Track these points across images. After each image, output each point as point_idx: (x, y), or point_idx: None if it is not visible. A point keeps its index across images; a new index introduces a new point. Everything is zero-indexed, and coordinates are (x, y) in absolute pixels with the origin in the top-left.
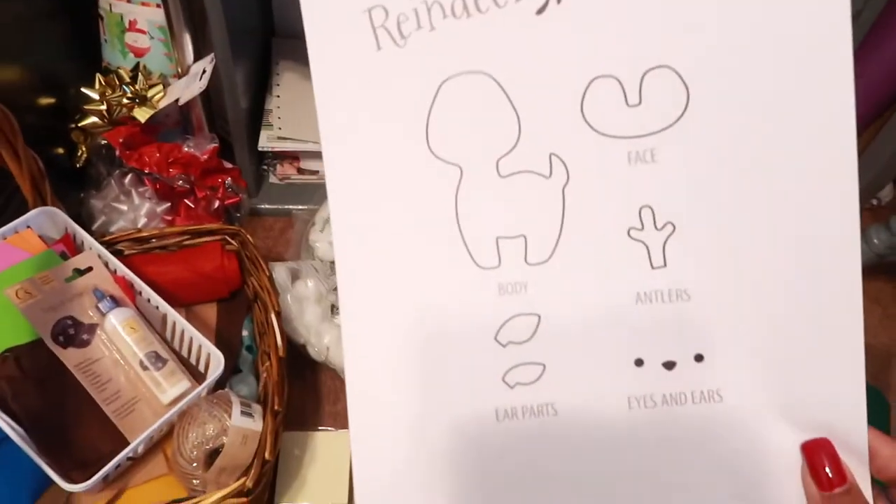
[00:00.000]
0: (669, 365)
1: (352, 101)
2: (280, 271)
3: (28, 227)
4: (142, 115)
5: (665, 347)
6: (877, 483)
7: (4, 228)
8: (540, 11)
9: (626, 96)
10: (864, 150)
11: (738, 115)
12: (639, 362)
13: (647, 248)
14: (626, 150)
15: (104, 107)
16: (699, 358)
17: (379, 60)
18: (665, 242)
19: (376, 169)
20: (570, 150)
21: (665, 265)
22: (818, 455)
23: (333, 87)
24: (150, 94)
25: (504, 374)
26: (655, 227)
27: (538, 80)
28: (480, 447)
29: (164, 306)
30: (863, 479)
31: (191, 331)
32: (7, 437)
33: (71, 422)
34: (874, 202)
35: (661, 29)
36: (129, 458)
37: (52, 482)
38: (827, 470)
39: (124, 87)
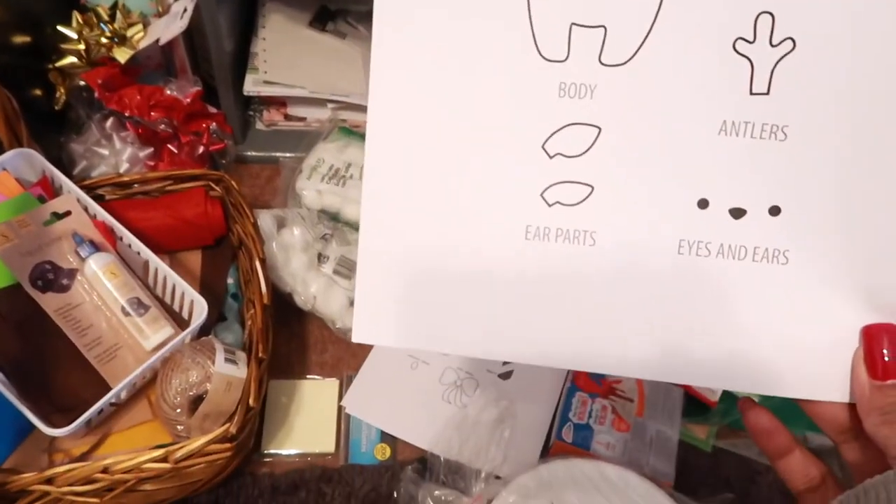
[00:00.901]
0: (738, 213)
1: None
2: (265, 219)
3: (4, 169)
4: (121, 55)
5: (738, 191)
6: None
7: None
8: None
9: None
10: None
11: None
12: (703, 203)
13: (752, 66)
14: None
15: (82, 46)
16: (775, 211)
17: None
18: (776, 64)
19: None
20: None
21: (768, 92)
22: (878, 340)
23: None
24: (129, 33)
25: (544, 189)
26: (771, 42)
27: None
28: (502, 263)
29: (146, 252)
30: None
31: (173, 277)
32: None
33: (51, 367)
34: None
35: None
36: (112, 404)
37: (33, 428)
38: (885, 357)
39: (103, 25)
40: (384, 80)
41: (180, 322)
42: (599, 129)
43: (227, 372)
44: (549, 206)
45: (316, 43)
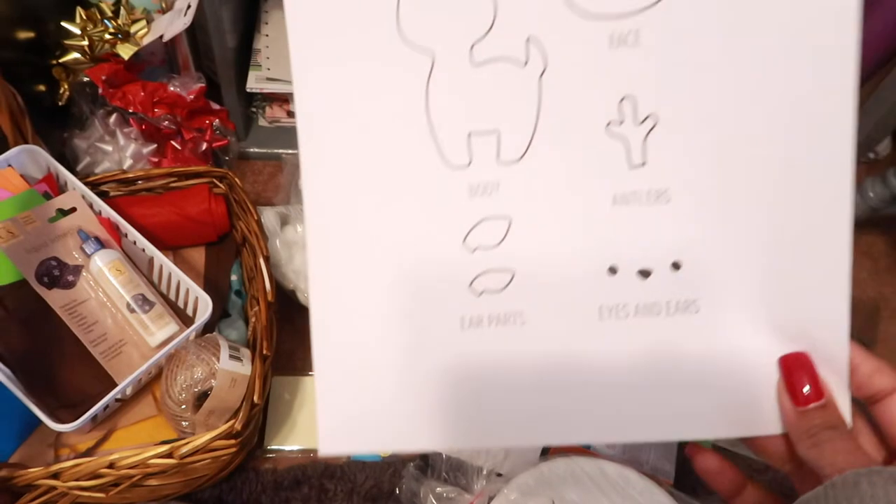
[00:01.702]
0: (645, 273)
1: None
2: (269, 216)
3: (9, 165)
4: (125, 51)
5: (641, 254)
6: (857, 402)
7: None
8: None
9: None
10: (863, 104)
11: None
12: (612, 270)
13: (626, 144)
14: (607, 31)
15: (86, 42)
16: (676, 266)
17: None
18: (645, 138)
19: (342, 56)
20: (548, 32)
21: (644, 164)
22: (795, 368)
23: None
24: (133, 29)
25: (471, 281)
26: (636, 120)
27: None
28: (443, 356)
29: (151, 249)
30: (841, 397)
31: (178, 274)
32: None
33: (58, 363)
34: (871, 156)
35: None
36: (117, 400)
37: (39, 423)
38: (803, 384)
39: (106, 21)
40: (315, 199)
41: (185, 319)
42: (510, 219)
43: (231, 368)
44: (478, 295)
45: None
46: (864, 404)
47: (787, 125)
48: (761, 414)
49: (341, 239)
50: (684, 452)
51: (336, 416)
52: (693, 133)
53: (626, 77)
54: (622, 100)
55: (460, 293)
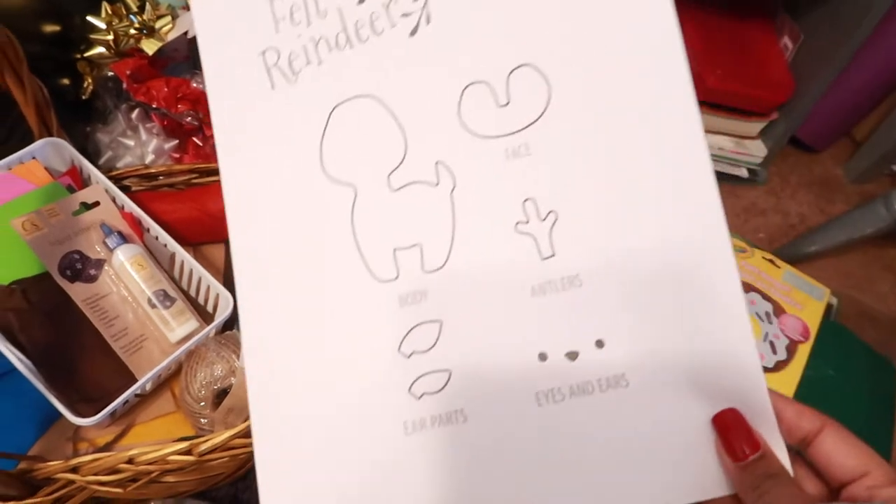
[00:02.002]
0: (572, 355)
1: (249, 136)
2: None
3: (34, 157)
4: (149, 46)
5: (566, 338)
6: (791, 448)
7: (9, 159)
8: (413, 33)
9: (496, 98)
10: (886, 117)
11: (595, 100)
12: (542, 356)
13: (535, 239)
14: (503, 147)
15: (111, 37)
16: (600, 344)
17: (273, 97)
18: (551, 232)
19: (273, 196)
20: (453, 155)
21: (554, 254)
22: (728, 426)
23: (232, 125)
24: (157, 25)
25: (410, 385)
26: (539, 218)
27: (418, 96)
28: (391, 463)
29: (173, 244)
30: (777, 445)
31: (199, 270)
32: (14, 369)
33: (79, 356)
34: (894, 168)
35: (518, 32)
36: (136, 395)
37: (59, 415)
38: (738, 439)
39: (132, 16)
40: (251, 324)
41: (205, 315)
42: (441, 322)
43: None
44: (418, 398)
45: None
46: (798, 449)
47: (659, 200)
48: (708, 476)
49: (280, 358)
50: None
51: None
52: (589, 221)
53: (524, 182)
54: (525, 202)
55: (401, 398)
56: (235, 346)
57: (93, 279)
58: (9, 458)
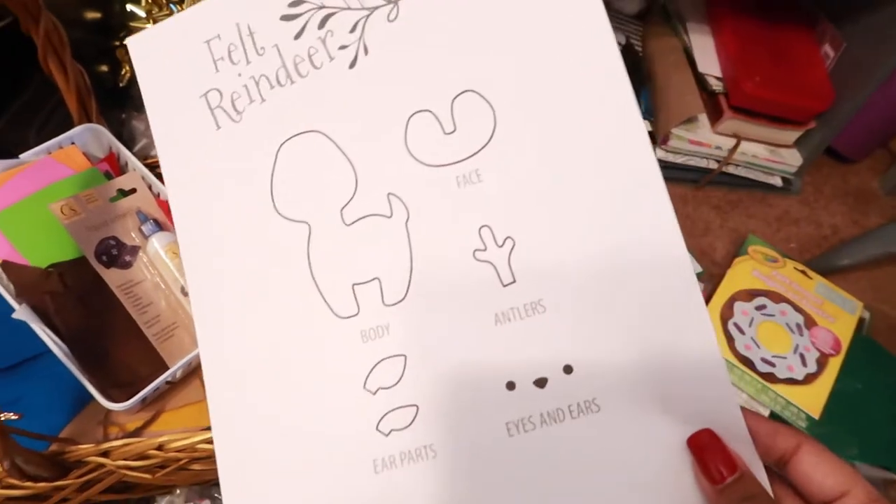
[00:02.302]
0: (541, 382)
1: (198, 179)
2: None
3: (73, 143)
4: None
5: (533, 365)
6: (770, 468)
7: (49, 143)
8: (352, 65)
9: (441, 126)
10: None
11: (540, 122)
12: (510, 385)
13: (494, 267)
14: (453, 175)
15: (150, 25)
16: (568, 369)
17: (219, 138)
18: (509, 257)
19: (228, 238)
20: (405, 186)
21: (514, 280)
22: (703, 447)
23: (179, 168)
24: None
25: (378, 422)
26: (497, 244)
27: (364, 128)
28: (362, 503)
29: None
30: (755, 465)
31: None
32: (48, 351)
33: (112, 341)
34: None
35: (457, 58)
36: (167, 382)
37: (90, 399)
38: (715, 461)
39: (171, 5)
40: (214, 377)
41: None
42: (405, 356)
43: None
44: (387, 435)
45: None
46: (775, 469)
47: (612, 217)
48: (686, 501)
49: (243, 395)
50: None
51: None
52: (546, 244)
53: (478, 209)
54: (481, 228)
55: (369, 436)
56: None
57: (128, 265)
58: (41, 439)
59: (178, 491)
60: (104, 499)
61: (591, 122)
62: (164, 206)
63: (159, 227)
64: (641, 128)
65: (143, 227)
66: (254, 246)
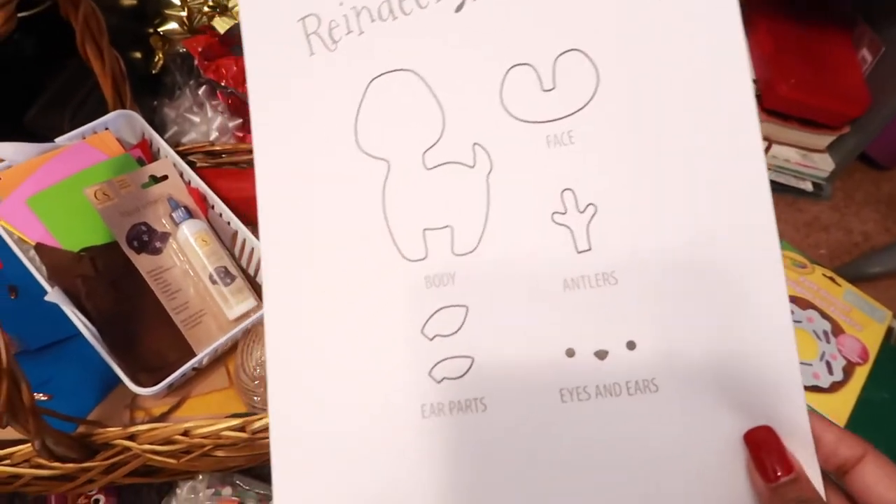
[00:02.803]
0: (601, 354)
1: (285, 103)
2: None
3: (107, 128)
4: (221, 25)
5: (596, 336)
6: (827, 475)
7: (84, 128)
8: (458, 9)
9: (541, 82)
10: None
11: (646, 93)
12: (570, 352)
13: (571, 232)
14: (544, 134)
15: (185, 13)
16: (631, 345)
17: (311, 65)
18: (588, 225)
19: (307, 165)
20: (492, 138)
21: (590, 249)
22: (761, 444)
23: (268, 90)
24: (230, 3)
25: (431, 368)
26: (578, 209)
27: (460, 74)
28: (405, 445)
29: (237, 222)
30: (811, 469)
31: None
32: (79, 334)
33: (141, 326)
34: None
35: (568, 15)
36: (193, 369)
37: (118, 382)
38: (771, 459)
39: None
40: (275, 308)
41: (262, 295)
42: (467, 307)
43: None
44: (438, 382)
45: None
46: (834, 477)
47: (709, 201)
48: (734, 495)
49: (301, 325)
50: None
51: (294, 500)
52: (632, 216)
53: (565, 172)
54: (563, 192)
55: (421, 381)
56: None
57: (158, 251)
58: (70, 420)
59: (200, 477)
60: (128, 482)
61: (702, 103)
62: (195, 194)
63: (190, 214)
64: (755, 118)
65: (174, 214)
66: (330, 178)
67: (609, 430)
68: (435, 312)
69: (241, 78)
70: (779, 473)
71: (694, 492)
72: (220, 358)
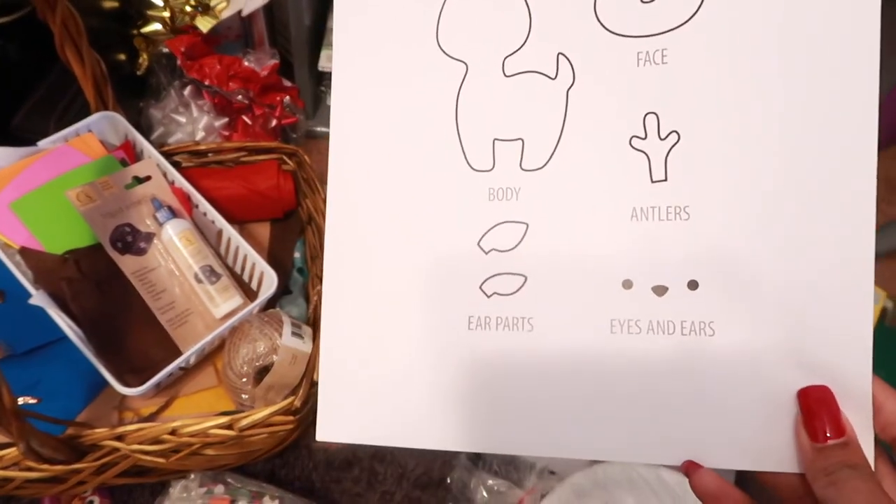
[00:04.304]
0: (660, 290)
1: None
2: None
3: (89, 130)
4: (204, 24)
5: (657, 270)
6: (880, 444)
7: (66, 131)
8: None
9: None
10: None
11: (754, 18)
12: (627, 284)
13: (648, 158)
14: (636, 50)
15: (167, 14)
16: (693, 285)
17: None
18: (668, 154)
19: (384, 59)
20: (579, 49)
21: (666, 179)
22: (815, 403)
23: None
24: (212, 3)
25: (482, 282)
26: (659, 136)
27: None
28: (447, 354)
29: (221, 221)
30: (864, 435)
31: (245, 248)
32: (65, 337)
33: (127, 327)
34: None
35: None
36: (181, 368)
37: (106, 384)
38: (822, 420)
39: None
40: (339, 181)
41: (248, 293)
42: (527, 224)
43: (293, 345)
44: (488, 297)
45: None
46: (888, 447)
47: (810, 147)
48: (776, 448)
49: (359, 223)
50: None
51: (336, 402)
52: (716, 151)
53: (651, 94)
54: (646, 115)
55: (471, 293)
56: (278, 324)
57: (142, 252)
58: (58, 423)
59: (192, 476)
60: (120, 482)
61: (813, 51)
62: (179, 194)
63: (174, 214)
64: (874, 79)
65: (158, 215)
66: (407, 71)
67: (655, 368)
68: (494, 226)
69: (224, 76)
70: (828, 435)
71: (735, 440)
72: (208, 357)
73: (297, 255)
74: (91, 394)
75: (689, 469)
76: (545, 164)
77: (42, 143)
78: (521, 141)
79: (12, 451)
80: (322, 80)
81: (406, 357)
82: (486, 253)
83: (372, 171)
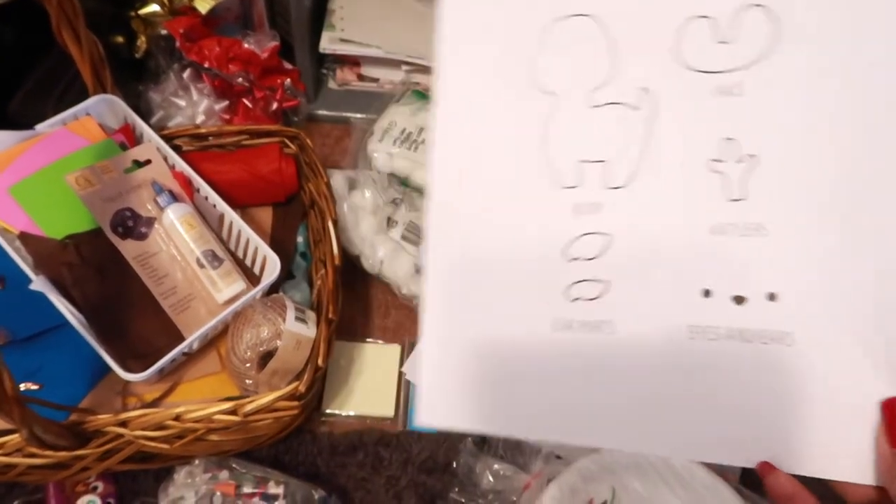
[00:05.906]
0: (739, 300)
1: (469, 27)
2: (338, 179)
3: (88, 114)
4: (202, 5)
5: (736, 281)
6: None
7: (65, 114)
8: None
9: (718, 34)
10: None
11: (829, 54)
12: (707, 293)
13: (726, 179)
14: (714, 83)
15: None
16: (772, 297)
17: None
18: (746, 175)
19: (483, 87)
20: (660, 84)
21: (743, 199)
22: None
23: (456, 16)
24: None
25: (566, 287)
26: (736, 159)
27: (638, 20)
28: (530, 354)
29: (223, 205)
30: None
31: (248, 232)
32: (66, 323)
33: (129, 313)
34: None
35: None
36: (184, 354)
37: (109, 370)
38: None
39: None
40: (440, 189)
41: (251, 277)
42: (611, 236)
43: (297, 330)
44: (572, 301)
45: (394, 2)
46: None
47: (885, 170)
48: (852, 458)
49: (459, 232)
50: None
51: (436, 393)
52: (790, 173)
53: (728, 121)
54: (724, 140)
55: (555, 297)
56: (282, 309)
57: (143, 237)
58: (61, 409)
59: (196, 461)
60: (124, 468)
61: (881, 80)
62: (180, 178)
63: (175, 198)
64: None
65: (159, 199)
66: (503, 99)
67: (732, 375)
68: (578, 237)
69: (224, 59)
70: None
71: (809, 446)
72: (211, 342)
73: (299, 239)
74: (94, 380)
75: (765, 470)
76: (627, 183)
77: (40, 127)
78: (604, 163)
79: (15, 437)
80: (323, 63)
81: (497, 353)
82: (570, 261)
83: (471, 185)
